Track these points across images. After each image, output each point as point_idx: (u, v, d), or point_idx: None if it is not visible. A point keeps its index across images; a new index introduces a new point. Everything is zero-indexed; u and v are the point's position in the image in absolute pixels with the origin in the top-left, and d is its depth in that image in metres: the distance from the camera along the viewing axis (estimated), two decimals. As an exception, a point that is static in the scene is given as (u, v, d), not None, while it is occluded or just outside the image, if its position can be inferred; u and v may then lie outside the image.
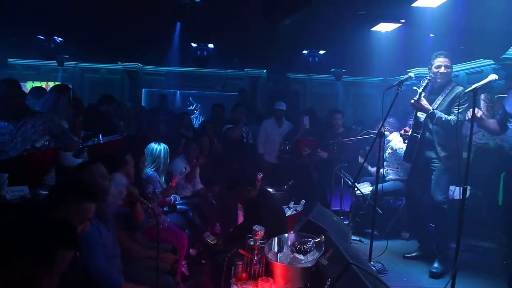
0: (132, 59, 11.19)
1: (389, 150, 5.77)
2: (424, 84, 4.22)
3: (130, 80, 11.98)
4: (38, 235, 1.61)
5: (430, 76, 4.28)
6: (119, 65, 11.66)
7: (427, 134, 4.37)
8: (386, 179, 5.69)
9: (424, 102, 4.22)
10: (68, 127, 3.88)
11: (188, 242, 4.22)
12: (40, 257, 1.59)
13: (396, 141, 5.71)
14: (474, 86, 3.26)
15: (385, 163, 5.78)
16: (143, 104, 11.87)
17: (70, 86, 4.32)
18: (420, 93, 4.22)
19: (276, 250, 3.20)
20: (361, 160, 5.77)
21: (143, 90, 12.32)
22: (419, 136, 4.36)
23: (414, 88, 4.26)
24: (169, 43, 7.65)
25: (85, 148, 3.88)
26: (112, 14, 6.18)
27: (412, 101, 4.26)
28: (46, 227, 1.65)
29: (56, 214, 2.16)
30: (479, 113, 3.66)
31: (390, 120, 5.78)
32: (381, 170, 5.49)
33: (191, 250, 4.57)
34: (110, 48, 8.81)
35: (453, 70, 4.46)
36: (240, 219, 4.74)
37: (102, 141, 4.24)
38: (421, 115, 4.35)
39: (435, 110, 4.21)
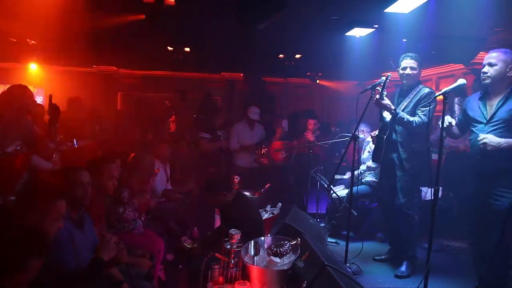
0: (107, 62, 11.05)
1: (367, 154, 5.85)
2: (382, 83, 4.13)
3: (105, 84, 11.82)
4: (8, 243, 1.59)
5: (388, 77, 4.16)
6: (94, 68, 11.50)
7: (393, 135, 4.37)
8: (362, 180, 5.75)
9: (385, 101, 4.19)
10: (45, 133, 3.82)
11: (165, 246, 4.19)
12: (9, 265, 1.57)
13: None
14: (443, 90, 3.34)
15: (362, 164, 5.87)
16: (118, 108, 11.74)
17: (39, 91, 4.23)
18: (381, 92, 4.17)
19: (252, 253, 3.21)
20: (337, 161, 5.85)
21: (118, 93, 12.19)
22: (385, 137, 4.37)
23: (377, 88, 4.20)
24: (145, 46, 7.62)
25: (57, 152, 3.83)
26: (87, 15, 6.10)
27: (374, 100, 4.22)
28: (16, 235, 1.63)
29: (29, 216, 2.13)
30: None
31: (368, 123, 5.90)
32: (356, 172, 5.60)
33: (167, 255, 4.53)
34: (84, 50, 8.69)
35: (426, 74, 4.47)
36: (217, 223, 4.74)
37: (76, 145, 4.19)
38: (387, 116, 4.36)
39: (397, 110, 4.22)
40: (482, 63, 3.67)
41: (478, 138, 3.48)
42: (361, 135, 5.70)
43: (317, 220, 5.36)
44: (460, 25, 5.05)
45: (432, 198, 3.30)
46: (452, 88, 3.33)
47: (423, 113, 4.12)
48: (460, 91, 3.99)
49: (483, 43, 5.77)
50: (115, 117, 8.53)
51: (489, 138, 3.41)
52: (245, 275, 3.11)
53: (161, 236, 4.22)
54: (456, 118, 3.99)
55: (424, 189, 4.87)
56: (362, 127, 5.94)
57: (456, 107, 3.94)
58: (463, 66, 7.35)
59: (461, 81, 3.34)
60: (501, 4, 4.24)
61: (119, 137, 6.36)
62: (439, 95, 3.39)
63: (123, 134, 6.86)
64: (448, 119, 3.63)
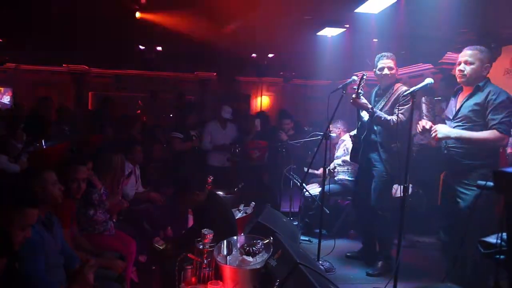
0: (78, 61, 10.85)
1: (341, 151, 5.90)
2: (358, 81, 4.16)
3: (76, 83, 11.61)
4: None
5: (364, 76, 4.18)
6: (64, 67, 11.28)
7: (372, 135, 4.36)
8: (335, 178, 5.80)
9: (363, 100, 4.19)
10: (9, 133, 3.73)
11: (137, 248, 4.15)
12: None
13: (349, 142, 5.84)
14: (412, 89, 3.41)
15: (336, 160, 5.94)
16: (90, 108, 11.55)
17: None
18: (358, 92, 4.17)
19: (225, 253, 3.22)
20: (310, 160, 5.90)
21: (89, 93, 12.00)
22: (363, 136, 4.41)
23: (354, 87, 4.23)
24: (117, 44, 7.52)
25: (24, 153, 3.74)
26: (56, 12, 5.96)
27: (351, 100, 4.24)
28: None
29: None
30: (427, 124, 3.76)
31: (343, 121, 5.98)
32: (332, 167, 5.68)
33: (140, 257, 4.49)
34: (54, 49, 8.50)
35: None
36: (190, 223, 4.72)
37: (44, 147, 4.11)
38: (365, 115, 4.38)
39: (374, 109, 4.22)
40: (449, 62, 3.73)
41: (432, 129, 3.54)
42: (333, 134, 5.76)
43: (290, 218, 5.40)
44: (428, 26, 5.16)
45: (401, 195, 3.38)
46: (420, 87, 3.40)
47: (401, 112, 4.06)
48: (427, 90, 4.07)
49: (450, 43, 5.93)
50: (86, 117, 8.37)
51: (439, 128, 3.49)
52: (218, 275, 3.11)
53: (133, 237, 4.18)
54: (424, 116, 4.05)
55: (395, 186, 4.95)
56: (339, 124, 6.00)
57: (424, 106, 3.99)
58: (431, 66, 7.52)
59: (429, 80, 3.41)
60: (465, 6, 4.36)
61: (90, 138, 6.24)
62: (408, 93, 3.45)
63: (94, 134, 6.74)
64: (422, 122, 3.68)
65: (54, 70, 11.46)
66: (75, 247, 3.32)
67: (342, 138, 5.96)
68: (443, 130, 3.49)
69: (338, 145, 6.01)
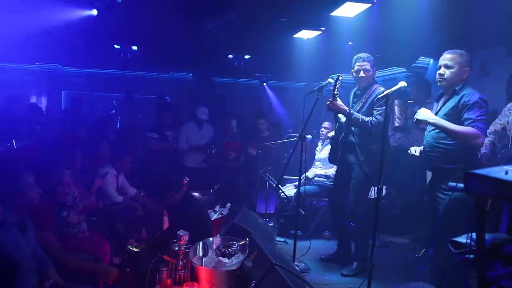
0: (50, 59, 10.60)
1: (325, 153, 5.94)
2: (334, 83, 4.17)
3: (48, 82, 11.34)
4: None
5: (338, 77, 4.19)
6: (36, 66, 11.01)
7: (350, 136, 4.37)
8: (314, 179, 5.84)
9: (339, 103, 4.21)
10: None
11: (111, 249, 4.09)
12: None
13: None
14: (386, 92, 3.47)
15: (317, 163, 5.98)
16: (62, 107, 11.31)
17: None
18: (334, 94, 4.18)
19: (201, 254, 3.21)
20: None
21: (62, 92, 11.75)
22: (341, 138, 4.43)
23: (330, 89, 4.26)
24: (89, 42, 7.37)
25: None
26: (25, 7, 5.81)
27: (328, 102, 4.25)
28: None
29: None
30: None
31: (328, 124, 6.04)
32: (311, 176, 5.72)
33: (114, 258, 4.42)
34: (25, 46, 8.28)
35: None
36: (166, 224, 4.68)
37: (15, 147, 4.01)
38: (342, 117, 4.38)
39: (351, 111, 4.24)
40: (421, 66, 3.78)
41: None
42: (309, 136, 5.79)
43: (266, 219, 5.41)
44: (399, 31, 5.25)
45: (375, 196, 3.44)
46: (394, 90, 3.46)
47: (378, 113, 4.09)
48: (401, 93, 4.13)
49: (422, 48, 6.05)
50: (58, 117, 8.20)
51: (420, 111, 3.49)
52: (194, 277, 3.10)
53: (107, 239, 4.12)
54: (396, 118, 4.08)
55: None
56: (326, 124, 6.02)
57: (396, 109, 4.05)
58: (404, 69, 7.65)
59: (402, 83, 3.48)
60: (437, 11, 4.46)
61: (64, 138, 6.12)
62: (382, 96, 3.51)
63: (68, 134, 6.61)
64: (411, 151, 3.72)
65: (25, 68, 11.17)
66: (50, 250, 3.26)
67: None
68: (423, 113, 3.46)
69: (324, 144, 6.01)
